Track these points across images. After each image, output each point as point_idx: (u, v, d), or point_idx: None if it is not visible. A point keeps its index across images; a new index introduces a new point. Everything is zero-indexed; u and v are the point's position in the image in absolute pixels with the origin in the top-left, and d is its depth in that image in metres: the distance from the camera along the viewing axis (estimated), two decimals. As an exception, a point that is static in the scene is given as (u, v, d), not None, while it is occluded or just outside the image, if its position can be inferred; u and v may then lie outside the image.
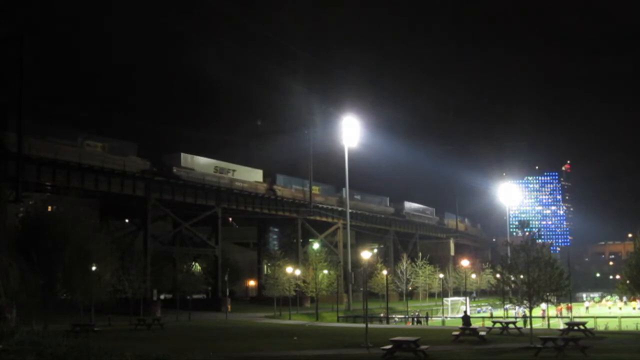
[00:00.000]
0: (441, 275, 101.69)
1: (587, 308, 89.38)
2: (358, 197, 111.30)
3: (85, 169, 65.80)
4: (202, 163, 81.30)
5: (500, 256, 47.75)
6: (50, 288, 40.37)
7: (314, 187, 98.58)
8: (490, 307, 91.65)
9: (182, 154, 79.21)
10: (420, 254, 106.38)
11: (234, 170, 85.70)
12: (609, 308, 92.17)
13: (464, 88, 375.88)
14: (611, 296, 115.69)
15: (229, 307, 75.12)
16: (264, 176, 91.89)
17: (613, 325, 53.37)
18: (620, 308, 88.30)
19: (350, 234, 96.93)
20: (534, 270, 35.44)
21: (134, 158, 72.41)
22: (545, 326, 53.51)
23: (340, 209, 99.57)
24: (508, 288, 39.12)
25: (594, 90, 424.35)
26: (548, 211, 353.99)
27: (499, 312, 79.81)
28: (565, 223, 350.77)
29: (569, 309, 69.31)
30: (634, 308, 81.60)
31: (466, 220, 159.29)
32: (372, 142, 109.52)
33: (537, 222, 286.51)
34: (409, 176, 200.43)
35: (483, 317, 64.27)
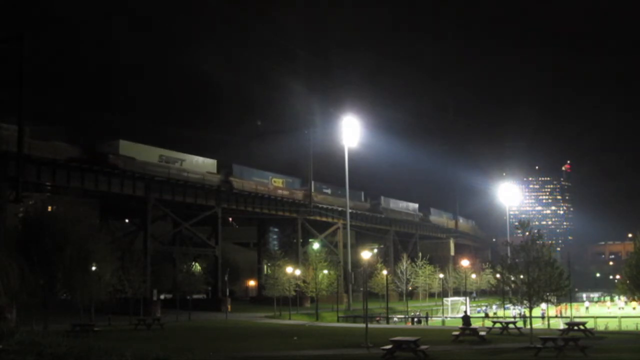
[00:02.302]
0: (441, 275, 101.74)
1: (587, 308, 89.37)
2: (328, 191, 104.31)
3: (85, 169, 65.81)
4: (144, 151, 74.10)
5: (500, 256, 47.73)
6: (50, 288, 40.34)
7: (277, 180, 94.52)
8: (486, 308, 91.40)
9: (121, 141, 72.01)
10: (420, 254, 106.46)
11: (182, 160, 78.93)
12: (608, 308, 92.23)
13: (464, 88, 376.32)
14: (611, 297, 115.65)
15: (229, 307, 75.12)
16: (219, 167, 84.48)
17: (613, 325, 53.44)
18: (622, 308, 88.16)
19: (351, 234, 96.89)
20: (534, 270, 35.46)
21: (61, 144, 64.48)
22: (545, 326, 53.55)
23: (341, 208, 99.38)
24: (508, 288, 39.13)
25: (594, 90, 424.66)
26: (548, 211, 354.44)
27: (497, 312, 79.94)
28: (565, 223, 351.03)
29: (560, 311, 69.78)
30: (634, 308, 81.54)
31: (457, 217, 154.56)
32: (372, 142, 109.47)
33: (537, 222, 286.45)
34: (408, 176, 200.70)
35: (483, 317, 64.37)
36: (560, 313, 70.34)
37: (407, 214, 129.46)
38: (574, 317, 60.81)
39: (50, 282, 40.08)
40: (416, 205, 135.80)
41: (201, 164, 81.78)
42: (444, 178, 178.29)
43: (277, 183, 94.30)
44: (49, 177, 63.27)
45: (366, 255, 57.82)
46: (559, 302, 68.89)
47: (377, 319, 69.31)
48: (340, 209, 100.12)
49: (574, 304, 75.82)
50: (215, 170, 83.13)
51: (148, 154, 74.38)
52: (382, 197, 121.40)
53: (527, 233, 37.01)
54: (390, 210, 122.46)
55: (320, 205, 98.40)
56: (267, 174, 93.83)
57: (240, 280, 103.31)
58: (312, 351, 33.45)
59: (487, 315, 70.51)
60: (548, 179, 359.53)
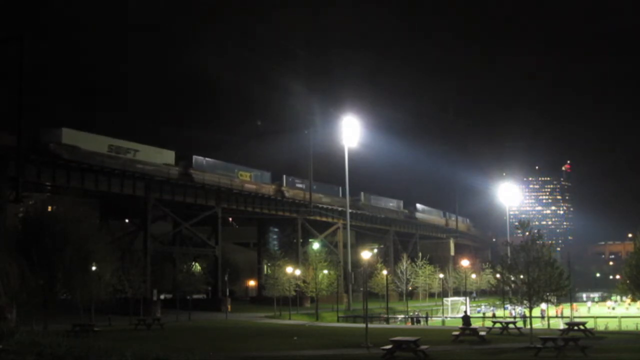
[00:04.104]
0: (441, 275, 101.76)
1: (589, 308, 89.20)
2: (302, 185, 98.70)
3: (85, 169, 65.83)
4: (92, 140, 68.22)
5: (500, 256, 47.75)
6: (50, 288, 40.31)
7: (243, 173, 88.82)
8: (494, 308, 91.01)
9: (64, 129, 66.13)
10: (420, 254, 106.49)
11: (135, 151, 72.91)
12: (608, 308, 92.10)
13: (464, 88, 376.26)
14: (612, 297, 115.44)
15: (229, 307, 75.11)
16: (178, 158, 78.64)
17: (613, 325, 53.44)
18: (627, 308, 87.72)
19: (351, 234, 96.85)
20: (534, 270, 35.48)
21: None
22: (545, 326, 53.56)
23: (341, 208, 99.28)
24: (508, 288, 39.15)
25: (594, 90, 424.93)
26: (548, 211, 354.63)
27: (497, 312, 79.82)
28: (565, 223, 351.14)
29: (561, 310, 69.84)
30: (638, 308, 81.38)
31: (457, 216, 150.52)
32: (372, 142, 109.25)
33: (537, 222, 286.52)
34: (408, 176, 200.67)
35: (483, 317, 64.36)
36: (561, 313, 70.32)
37: (390, 211, 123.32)
38: (574, 317, 60.82)
39: (50, 282, 40.03)
40: (401, 202, 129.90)
41: (158, 155, 76.20)
42: (444, 178, 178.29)
43: (244, 177, 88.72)
44: (49, 177, 63.28)
45: (366, 255, 57.85)
46: (559, 302, 68.87)
47: (384, 317, 69.14)
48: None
49: (574, 304, 75.65)
50: (173, 162, 77.70)
51: (96, 143, 68.67)
52: (362, 193, 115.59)
53: (527, 233, 37.02)
54: (371, 207, 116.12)
55: (320, 205, 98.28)
56: (233, 166, 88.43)
57: (240, 280, 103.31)
58: (312, 351, 33.47)
59: (494, 315, 70.79)
60: (548, 179, 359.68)
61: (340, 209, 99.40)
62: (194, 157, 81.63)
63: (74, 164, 64.28)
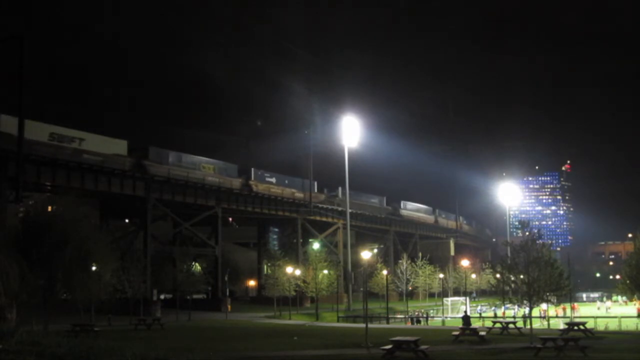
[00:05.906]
0: (441, 275, 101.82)
1: (607, 308, 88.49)
2: (272, 180, 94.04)
3: (85, 169, 65.83)
4: (30, 128, 58.59)
5: (500, 256, 47.80)
6: (50, 288, 40.28)
7: (206, 165, 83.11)
8: (495, 308, 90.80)
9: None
10: (420, 254, 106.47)
11: (81, 139, 66.81)
12: (601, 308, 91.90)
13: (464, 88, 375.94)
14: (614, 297, 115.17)
15: (229, 307, 75.12)
16: (131, 149, 72.73)
17: (613, 325, 53.44)
18: (620, 308, 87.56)
19: (350, 234, 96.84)
20: (534, 270, 35.50)
21: None
22: (545, 326, 53.56)
23: (340, 208, 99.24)
24: (508, 288, 39.16)
25: (594, 90, 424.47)
26: (548, 211, 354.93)
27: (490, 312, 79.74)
28: (565, 223, 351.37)
29: (564, 309, 69.76)
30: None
31: (435, 210, 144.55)
32: (372, 142, 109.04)
33: (537, 222, 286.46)
34: (408, 176, 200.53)
35: (483, 317, 64.37)
36: (564, 312, 70.32)
37: (371, 207, 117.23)
38: (574, 317, 60.82)
39: (50, 282, 39.98)
40: (384, 198, 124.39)
41: (107, 145, 70.18)
42: (444, 178, 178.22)
43: (206, 169, 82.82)
44: (49, 177, 63.29)
45: (366, 255, 57.89)
46: (559, 303, 68.91)
47: (407, 317, 69.54)
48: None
49: (575, 304, 75.55)
50: (125, 152, 71.83)
51: (34, 131, 61.04)
52: (340, 188, 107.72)
53: (527, 233, 37.04)
54: (351, 203, 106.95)
55: (320, 205, 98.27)
56: (197, 158, 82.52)
57: (240, 280, 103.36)
58: (313, 351, 33.46)
59: (496, 315, 70.93)
60: (548, 179, 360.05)
61: (340, 208, 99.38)
62: (150, 147, 76.12)
63: (73, 163, 64.33)
